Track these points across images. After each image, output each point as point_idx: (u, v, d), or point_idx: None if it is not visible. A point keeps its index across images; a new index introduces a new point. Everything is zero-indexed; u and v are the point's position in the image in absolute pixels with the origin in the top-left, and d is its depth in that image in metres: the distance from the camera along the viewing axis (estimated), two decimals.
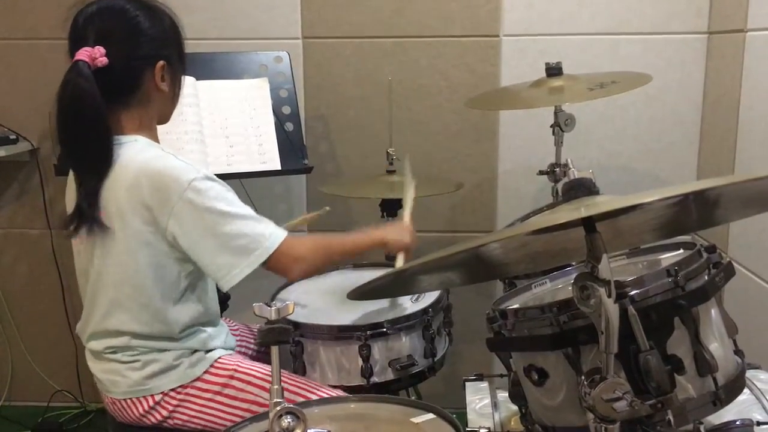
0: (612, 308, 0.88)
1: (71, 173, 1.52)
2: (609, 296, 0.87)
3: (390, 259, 2.09)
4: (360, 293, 1.13)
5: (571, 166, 0.98)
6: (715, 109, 2.32)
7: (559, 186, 1.99)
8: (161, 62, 1.46)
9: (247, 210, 1.45)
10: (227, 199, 1.42)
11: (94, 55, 1.37)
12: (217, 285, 1.53)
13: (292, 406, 0.89)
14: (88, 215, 1.41)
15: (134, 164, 1.41)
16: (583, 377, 0.92)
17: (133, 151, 1.43)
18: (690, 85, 2.38)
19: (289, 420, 0.89)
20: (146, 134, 1.49)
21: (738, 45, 2.10)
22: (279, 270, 1.49)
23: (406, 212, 1.84)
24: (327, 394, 1.49)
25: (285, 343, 0.92)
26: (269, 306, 0.92)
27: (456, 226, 2.55)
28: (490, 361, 2.61)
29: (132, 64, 1.44)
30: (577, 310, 1.09)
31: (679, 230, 1.21)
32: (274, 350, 0.91)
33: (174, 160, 1.42)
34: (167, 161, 1.42)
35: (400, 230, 1.72)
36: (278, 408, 0.90)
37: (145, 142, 1.46)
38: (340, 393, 1.52)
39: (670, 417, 1.02)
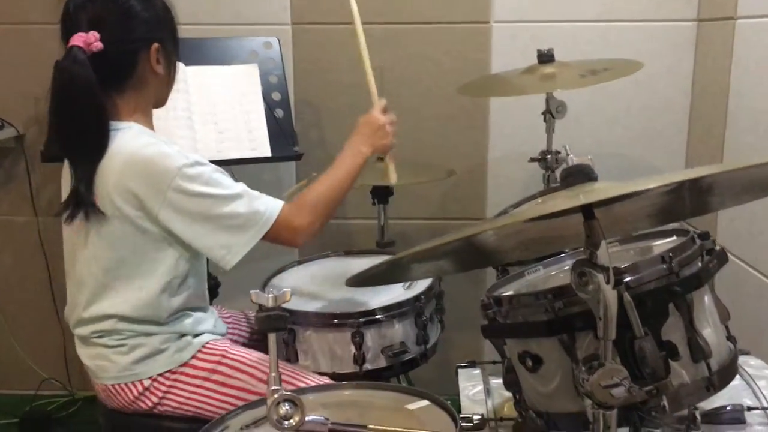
0: (610, 295, 0.88)
1: (66, 160, 1.50)
2: (607, 283, 0.87)
3: (381, 245, 2.10)
4: (358, 281, 1.13)
5: (569, 152, 0.98)
6: (704, 96, 2.33)
7: (554, 173, 1.99)
8: (156, 45, 1.45)
9: (241, 187, 1.45)
10: (218, 182, 1.42)
11: (89, 40, 1.36)
12: (218, 266, 1.51)
13: (290, 393, 0.89)
14: (84, 200, 1.40)
15: (125, 151, 1.40)
16: (580, 363, 0.92)
17: (126, 138, 1.42)
18: (679, 73, 2.39)
19: (287, 407, 0.89)
20: (142, 119, 1.48)
21: (728, 32, 2.11)
22: (282, 241, 1.50)
23: (371, 88, 1.71)
24: (314, 382, 1.49)
25: (282, 330, 0.91)
26: (266, 293, 0.91)
27: (446, 213, 2.55)
28: (480, 347, 2.62)
29: (126, 48, 1.43)
30: (573, 296, 1.10)
31: (673, 217, 1.22)
32: (271, 337, 0.91)
33: (164, 147, 1.41)
34: (157, 149, 1.41)
35: (373, 131, 1.65)
36: (276, 395, 0.89)
37: (138, 129, 1.45)
38: (327, 381, 1.52)
39: (665, 402, 1.03)
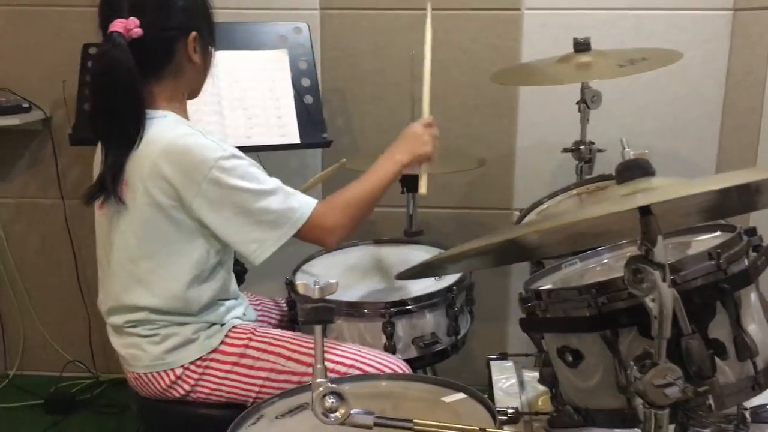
0: (666, 293, 0.86)
1: (100, 144, 1.50)
2: (664, 281, 0.85)
3: (410, 234, 2.09)
4: (408, 275, 1.13)
5: (625, 146, 0.96)
6: (738, 87, 2.29)
7: (588, 164, 1.96)
8: (194, 33, 1.44)
9: (276, 183, 1.44)
10: (254, 176, 1.41)
11: (129, 26, 1.35)
12: (245, 260, 1.51)
13: (335, 386, 0.88)
14: (109, 187, 1.39)
15: (162, 140, 1.39)
16: (632, 362, 0.91)
17: (162, 127, 1.41)
18: (714, 63, 2.34)
19: (333, 400, 0.88)
20: (177, 108, 1.47)
21: (765, 22, 2.07)
22: (312, 240, 1.49)
23: (425, 105, 1.69)
24: (346, 350, 1.49)
25: (329, 322, 0.90)
26: (313, 285, 0.90)
27: (473, 203, 2.53)
28: (505, 337, 2.61)
29: (165, 35, 1.42)
30: (617, 291, 1.09)
31: (719, 214, 1.20)
32: (318, 329, 0.90)
33: (201, 138, 1.40)
34: (195, 139, 1.40)
35: (412, 140, 1.62)
36: (321, 388, 0.89)
37: (175, 119, 1.44)
38: (388, 357, 1.50)
39: (711, 401, 1.01)
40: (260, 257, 1.42)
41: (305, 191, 1.64)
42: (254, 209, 1.40)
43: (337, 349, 1.50)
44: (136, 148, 1.39)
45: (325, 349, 1.46)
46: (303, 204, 1.44)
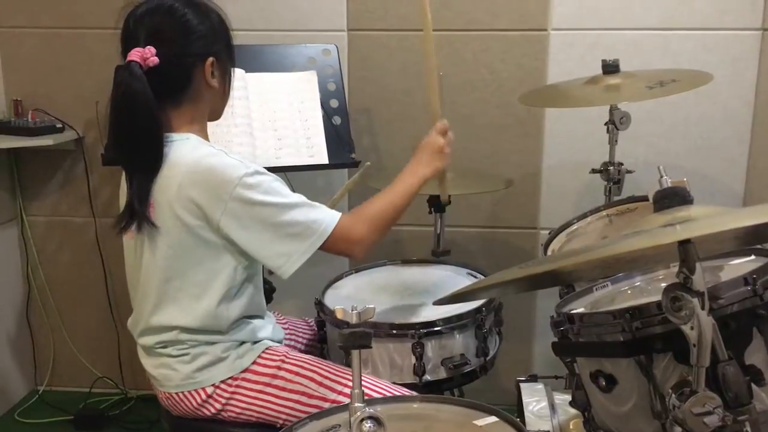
0: (705, 321, 0.86)
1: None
2: (702, 308, 0.85)
3: (437, 254, 2.09)
4: (445, 301, 1.13)
5: (663, 174, 0.96)
6: (767, 107, 2.27)
7: (616, 185, 1.96)
8: (211, 59, 1.47)
9: (299, 198, 1.46)
10: (278, 191, 1.43)
11: (145, 55, 1.38)
12: (275, 274, 1.52)
13: (373, 411, 0.89)
14: (138, 213, 1.42)
15: (186, 162, 1.41)
16: (671, 390, 0.90)
17: (185, 149, 1.44)
18: (742, 83, 2.33)
19: (370, 425, 0.89)
20: (197, 131, 1.50)
21: None
22: (338, 252, 1.51)
23: (436, 109, 1.68)
24: (387, 391, 1.49)
25: (367, 347, 0.91)
26: (351, 310, 0.91)
27: (499, 222, 2.54)
28: (530, 358, 2.60)
29: (182, 62, 1.44)
30: (651, 316, 1.08)
31: (756, 240, 1.19)
32: (355, 354, 0.91)
33: (225, 158, 1.43)
34: (218, 159, 1.42)
35: (432, 153, 1.64)
36: (359, 413, 0.89)
37: (196, 140, 1.47)
38: (399, 389, 1.52)
39: (748, 429, 1.00)
40: (289, 270, 1.44)
41: (334, 205, 1.66)
42: (280, 223, 1.42)
43: (373, 383, 1.51)
44: (160, 173, 1.42)
45: (348, 377, 1.49)
46: (328, 216, 1.46)
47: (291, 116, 2.07)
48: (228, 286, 1.47)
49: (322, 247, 1.45)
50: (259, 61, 2.11)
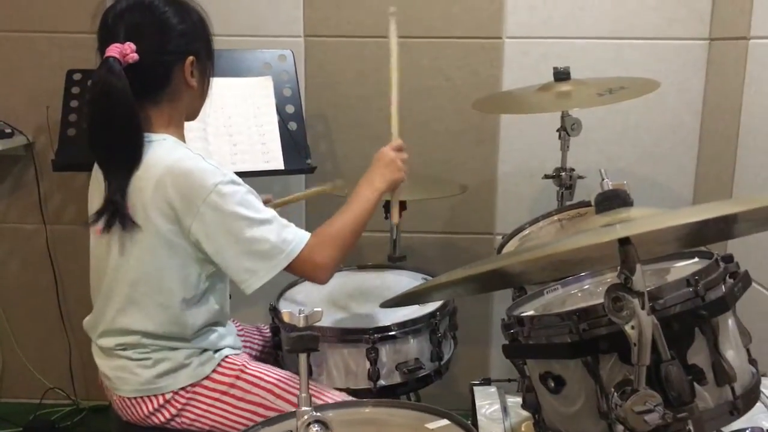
0: (645, 320, 0.88)
1: (95, 169, 1.50)
2: (643, 308, 0.87)
3: (393, 259, 2.10)
4: (392, 303, 1.14)
5: (604, 177, 0.98)
6: (715, 115, 2.34)
7: (568, 190, 1.99)
8: (191, 57, 1.45)
9: (271, 214, 1.44)
10: (251, 204, 1.42)
11: (125, 51, 1.36)
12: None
13: (320, 415, 0.89)
14: (120, 210, 1.39)
15: (162, 164, 1.39)
16: (612, 389, 0.92)
17: (162, 151, 1.42)
18: (690, 91, 2.40)
19: (317, 429, 0.89)
20: (174, 132, 1.48)
21: (740, 52, 2.12)
22: (303, 274, 1.50)
23: (393, 127, 1.69)
24: (332, 399, 1.49)
25: (314, 350, 0.91)
26: (298, 314, 0.91)
27: (455, 228, 2.56)
28: (486, 362, 2.62)
29: (162, 60, 1.43)
30: (598, 318, 1.10)
31: (697, 242, 1.22)
32: (302, 357, 0.91)
33: (201, 162, 1.41)
34: (195, 163, 1.40)
35: (385, 165, 1.62)
36: (306, 416, 0.89)
37: (174, 142, 1.45)
38: (346, 397, 1.52)
39: (691, 427, 1.02)
40: (251, 287, 1.42)
41: (280, 206, 1.64)
42: (249, 237, 1.40)
43: (322, 394, 1.51)
44: (136, 173, 1.40)
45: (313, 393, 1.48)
46: (297, 237, 1.44)
47: (246, 121, 2.06)
48: (191, 293, 1.46)
49: (287, 268, 1.44)
50: (215, 65, 2.08)
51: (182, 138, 1.51)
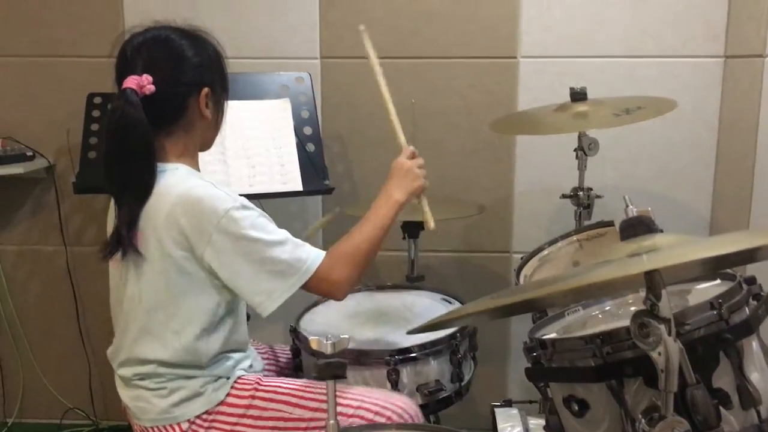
0: (672, 346, 0.88)
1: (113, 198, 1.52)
2: (669, 334, 0.87)
3: (411, 279, 2.11)
4: (420, 329, 1.15)
5: (628, 203, 0.98)
6: (731, 132, 2.34)
7: (586, 209, 2.00)
8: (206, 89, 1.48)
9: (284, 234, 1.45)
10: (263, 227, 1.43)
11: (142, 83, 1.39)
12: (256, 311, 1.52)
13: None
14: (125, 240, 1.41)
15: (174, 192, 1.41)
16: (640, 415, 0.92)
17: (174, 180, 1.43)
18: (706, 109, 2.39)
19: None
20: (188, 161, 1.50)
21: (756, 69, 2.12)
22: (320, 293, 1.51)
23: (399, 136, 1.70)
24: (353, 398, 1.49)
25: (342, 378, 0.92)
26: (325, 341, 0.92)
27: (471, 247, 2.56)
28: (504, 382, 2.61)
29: (177, 91, 1.45)
30: (622, 341, 1.10)
31: (722, 265, 1.22)
32: (330, 385, 0.91)
33: (212, 189, 1.43)
34: (206, 190, 1.42)
35: (403, 176, 1.63)
36: None
37: (186, 171, 1.47)
38: (368, 391, 1.52)
39: None
40: (269, 308, 1.43)
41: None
42: (264, 259, 1.41)
43: (343, 394, 1.50)
44: (148, 201, 1.41)
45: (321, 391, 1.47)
46: (312, 255, 1.46)
47: (265, 144, 2.08)
48: (209, 321, 1.46)
49: (304, 287, 1.45)
50: (233, 89, 2.05)
51: (196, 167, 1.53)
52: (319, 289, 1.48)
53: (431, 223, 1.65)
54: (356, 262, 1.51)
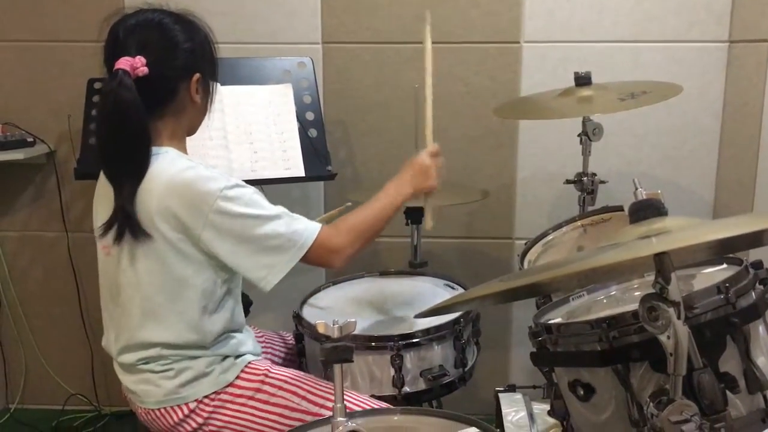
0: (681, 330, 0.88)
1: (101, 181, 1.51)
2: (678, 318, 0.87)
3: (414, 265, 2.10)
4: (426, 314, 1.15)
5: (638, 186, 0.98)
6: (735, 117, 2.32)
7: (590, 195, 1.98)
8: (197, 75, 1.48)
9: (280, 209, 1.47)
10: (258, 203, 1.44)
11: (135, 64, 1.38)
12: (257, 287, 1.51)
13: (356, 425, 0.89)
14: (132, 220, 1.41)
15: (165, 175, 1.41)
16: (648, 399, 0.92)
17: (165, 163, 1.44)
18: (710, 94, 2.38)
19: None
20: (177, 145, 1.50)
21: (760, 54, 2.11)
22: (318, 263, 1.52)
23: (428, 132, 1.69)
24: (366, 405, 1.50)
25: (348, 361, 0.91)
26: (332, 324, 0.91)
27: (474, 233, 2.55)
28: (507, 367, 2.62)
29: (169, 75, 1.45)
30: (628, 325, 1.10)
31: (729, 249, 1.21)
32: (337, 368, 0.91)
33: (203, 170, 1.43)
34: (197, 172, 1.43)
35: (418, 172, 1.63)
36: (341, 427, 0.89)
37: (176, 154, 1.47)
38: (378, 404, 1.52)
39: None
40: (271, 282, 1.44)
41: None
42: (261, 235, 1.42)
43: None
44: (141, 184, 1.41)
45: (329, 390, 1.49)
46: (309, 227, 1.47)
47: (267, 129, 2.07)
48: (207, 300, 1.47)
49: (303, 259, 1.46)
50: (234, 74, 2.10)
51: (184, 151, 1.53)
52: (318, 258, 1.49)
53: (430, 223, 1.69)
54: (356, 235, 1.53)
